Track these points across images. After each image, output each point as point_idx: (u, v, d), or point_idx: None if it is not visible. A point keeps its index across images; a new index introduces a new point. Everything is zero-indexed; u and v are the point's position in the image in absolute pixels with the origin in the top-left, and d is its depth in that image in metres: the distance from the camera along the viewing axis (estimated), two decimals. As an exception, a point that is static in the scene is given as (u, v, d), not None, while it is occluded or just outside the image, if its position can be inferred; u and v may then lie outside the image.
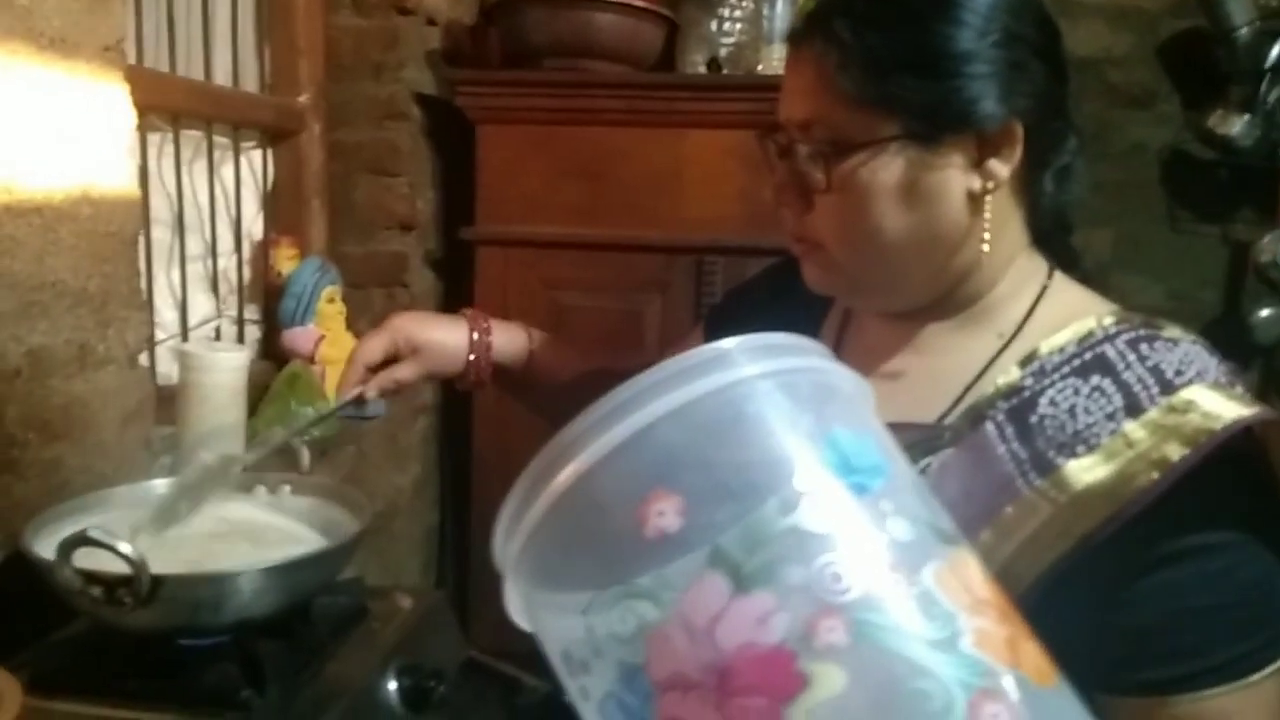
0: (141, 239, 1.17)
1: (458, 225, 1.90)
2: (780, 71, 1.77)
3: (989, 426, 0.68)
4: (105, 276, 1.03)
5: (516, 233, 1.86)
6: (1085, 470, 0.63)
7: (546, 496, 0.46)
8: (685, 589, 0.43)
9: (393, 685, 0.91)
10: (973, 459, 0.68)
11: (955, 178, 0.69)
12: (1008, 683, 0.42)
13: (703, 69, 1.85)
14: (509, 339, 1.02)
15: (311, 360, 1.61)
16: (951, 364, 0.74)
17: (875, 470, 0.47)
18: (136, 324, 1.09)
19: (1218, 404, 0.63)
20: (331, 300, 1.66)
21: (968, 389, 0.72)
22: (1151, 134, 2.21)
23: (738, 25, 1.83)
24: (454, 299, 1.98)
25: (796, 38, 0.73)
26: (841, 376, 0.52)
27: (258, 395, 1.50)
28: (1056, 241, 0.78)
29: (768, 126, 0.76)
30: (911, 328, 0.77)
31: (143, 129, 1.10)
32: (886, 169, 0.69)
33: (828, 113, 0.70)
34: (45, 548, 0.82)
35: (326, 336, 1.63)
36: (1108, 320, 0.71)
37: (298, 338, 1.63)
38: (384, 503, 1.76)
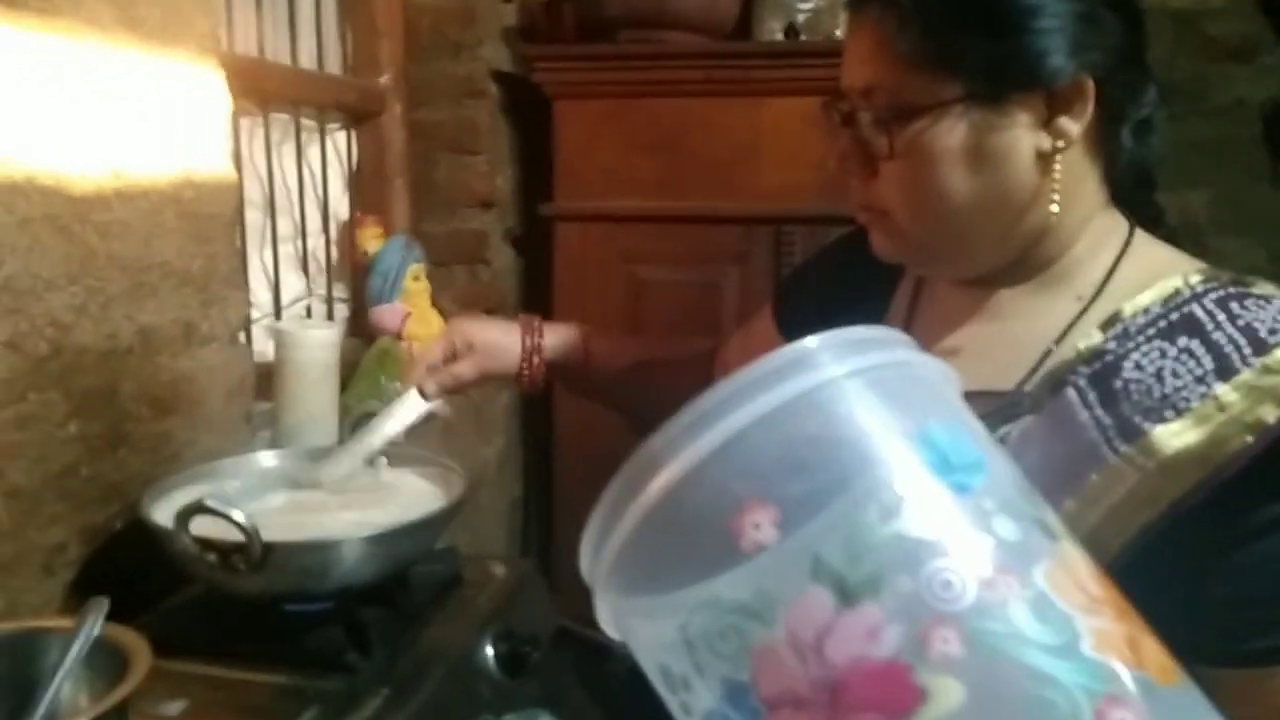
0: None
1: (537, 201, 1.91)
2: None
3: (1070, 392, 0.66)
4: (207, 257, 1.07)
5: (595, 207, 1.86)
6: (1174, 435, 0.61)
7: (635, 511, 0.45)
8: (789, 604, 0.42)
9: (489, 651, 0.93)
10: (1054, 426, 0.66)
11: (1023, 137, 0.67)
12: (1133, 686, 0.40)
13: (780, 36, 1.82)
14: (561, 339, 1.04)
15: (399, 336, 1.65)
16: (1030, 329, 0.72)
17: (974, 467, 0.45)
18: (237, 303, 1.13)
19: None
20: (416, 278, 1.69)
21: (1047, 354, 0.70)
22: (1253, 88, 2.11)
23: (814, -9, 1.79)
24: (534, 275, 2.01)
25: (856, 2, 0.72)
26: (929, 367, 0.50)
27: (348, 371, 1.54)
28: (1138, 199, 0.75)
29: (832, 95, 0.74)
30: (985, 293, 0.75)
31: (235, 114, 1.14)
32: (950, 133, 0.67)
33: (889, 77, 0.68)
34: (163, 516, 0.86)
35: (412, 313, 1.67)
36: (1194, 279, 0.68)
37: (385, 315, 1.67)
38: (471, 474, 1.80)
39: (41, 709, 0.61)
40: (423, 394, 0.99)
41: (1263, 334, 0.62)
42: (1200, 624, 0.60)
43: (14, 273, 0.83)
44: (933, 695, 0.39)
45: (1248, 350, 0.62)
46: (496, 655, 0.94)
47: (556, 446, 1.93)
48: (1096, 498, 0.62)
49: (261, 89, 1.49)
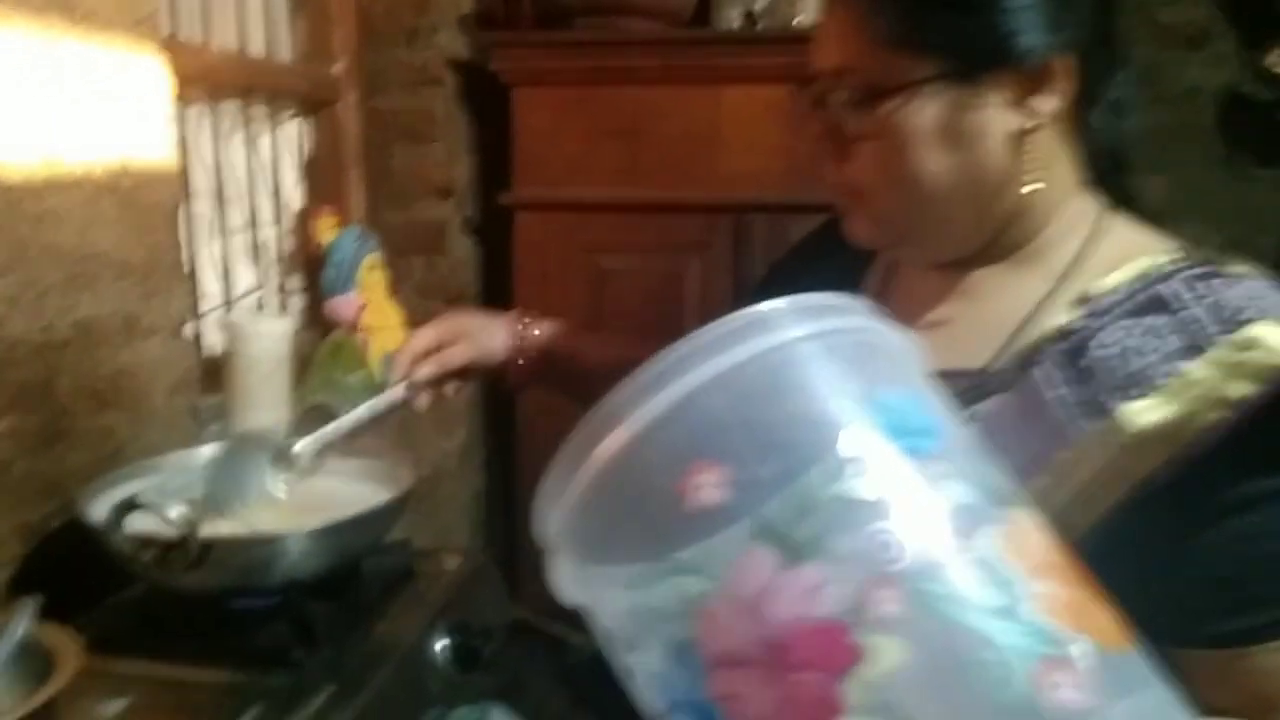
0: (183, 212, 1.19)
1: (496, 190, 1.89)
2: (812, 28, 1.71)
3: (1038, 371, 0.66)
4: (148, 248, 1.05)
5: (555, 196, 1.85)
6: (1142, 412, 0.61)
7: (586, 471, 0.45)
8: (731, 562, 0.42)
9: (441, 644, 0.92)
10: (1023, 404, 0.66)
11: (996, 117, 0.67)
12: (1074, 650, 0.40)
13: (738, 24, 1.81)
14: (549, 334, 1.02)
15: (354, 328, 1.63)
16: (1000, 308, 0.72)
17: (927, 431, 0.45)
18: (180, 295, 1.11)
19: None
20: (373, 268, 1.67)
21: (1016, 333, 0.70)
22: (1206, 75, 2.13)
23: (772, -22, 1.79)
24: (494, 265, 1.99)
25: None
26: (888, 335, 0.50)
27: (303, 364, 1.52)
28: (1112, 181, 0.75)
29: (803, 78, 0.73)
30: (957, 274, 0.75)
31: (181, 102, 1.11)
32: (923, 112, 0.66)
33: (861, 57, 0.68)
34: (100, 513, 0.84)
35: (369, 305, 1.65)
36: (1164, 258, 0.68)
37: (340, 306, 1.64)
38: (431, 467, 1.78)
39: (-36, 712, 0.59)
40: (407, 382, 0.96)
41: (1230, 311, 0.62)
42: (1172, 605, 0.60)
43: (-61, 263, 0.80)
44: (871, 653, 0.39)
45: (1215, 328, 0.62)
46: (449, 648, 0.92)
47: (519, 439, 1.91)
48: (1065, 475, 0.62)
49: (207, 76, 1.46)
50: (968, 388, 0.67)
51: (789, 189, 1.73)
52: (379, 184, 1.85)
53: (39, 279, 0.90)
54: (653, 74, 1.78)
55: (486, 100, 1.91)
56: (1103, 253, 0.71)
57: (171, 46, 1.11)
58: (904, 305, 0.76)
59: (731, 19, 1.82)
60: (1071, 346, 0.66)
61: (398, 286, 1.74)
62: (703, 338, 0.45)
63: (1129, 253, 0.69)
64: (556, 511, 0.47)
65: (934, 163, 0.67)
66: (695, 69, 1.76)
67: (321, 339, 1.61)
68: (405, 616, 0.94)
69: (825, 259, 0.85)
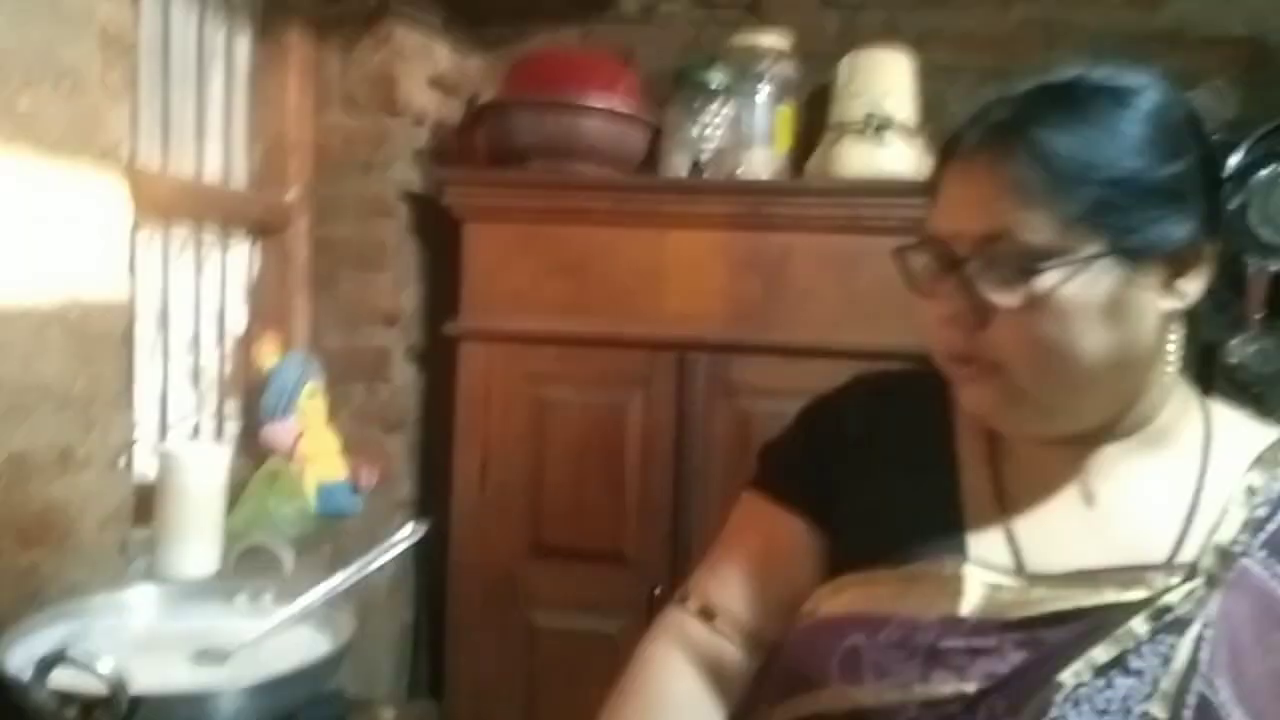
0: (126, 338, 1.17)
1: (441, 320, 1.91)
2: (759, 175, 1.78)
3: (1251, 565, 0.67)
4: (91, 378, 1.03)
5: (500, 327, 1.86)
6: None
7: None
8: None
9: (375, 804, 0.88)
10: (1253, 604, 0.66)
11: (1153, 298, 0.68)
12: None
13: (685, 171, 1.89)
14: None
15: (291, 456, 1.59)
16: (1150, 494, 0.72)
17: None
18: (120, 425, 1.09)
19: None
20: (313, 395, 1.65)
21: (1188, 523, 0.70)
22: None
23: (718, 130, 1.88)
24: (436, 393, 1.98)
25: (971, 145, 0.69)
26: None
27: (236, 493, 1.48)
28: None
29: (915, 242, 0.72)
30: (1079, 454, 0.73)
31: (135, 228, 1.11)
32: (1090, 286, 0.65)
33: (1022, 224, 0.65)
34: (21, 663, 0.79)
35: (306, 432, 1.62)
36: None
37: (277, 432, 1.61)
38: (360, 601, 1.72)
39: None
40: None
41: None
42: None
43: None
44: None
45: None
46: (381, 809, 0.88)
47: (450, 570, 1.87)
48: None
49: (163, 204, 1.46)
50: (1162, 583, 0.67)
51: (730, 329, 1.78)
52: (324, 309, 1.85)
53: (-24, 411, 0.88)
54: (602, 215, 1.83)
55: (437, 232, 1.94)
56: (1228, 436, 0.74)
57: (132, 174, 1.11)
58: (1029, 487, 0.74)
59: (679, 166, 1.90)
60: (1270, 537, 0.68)
61: (337, 413, 1.72)
62: None
63: (1246, 434, 0.74)
64: None
65: (1095, 338, 0.66)
66: (643, 213, 1.83)
67: (256, 467, 1.57)
68: (337, 774, 0.90)
69: (881, 437, 0.81)
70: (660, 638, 0.83)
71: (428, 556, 1.97)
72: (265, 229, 1.76)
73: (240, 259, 1.74)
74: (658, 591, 1.79)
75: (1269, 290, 1.77)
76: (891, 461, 0.79)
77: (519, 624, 1.84)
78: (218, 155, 1.64)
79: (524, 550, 1.85)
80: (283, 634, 0.95)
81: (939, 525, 0.74)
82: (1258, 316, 1.78)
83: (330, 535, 1.61)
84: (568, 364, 1.86)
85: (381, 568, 1.84)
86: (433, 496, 1.97)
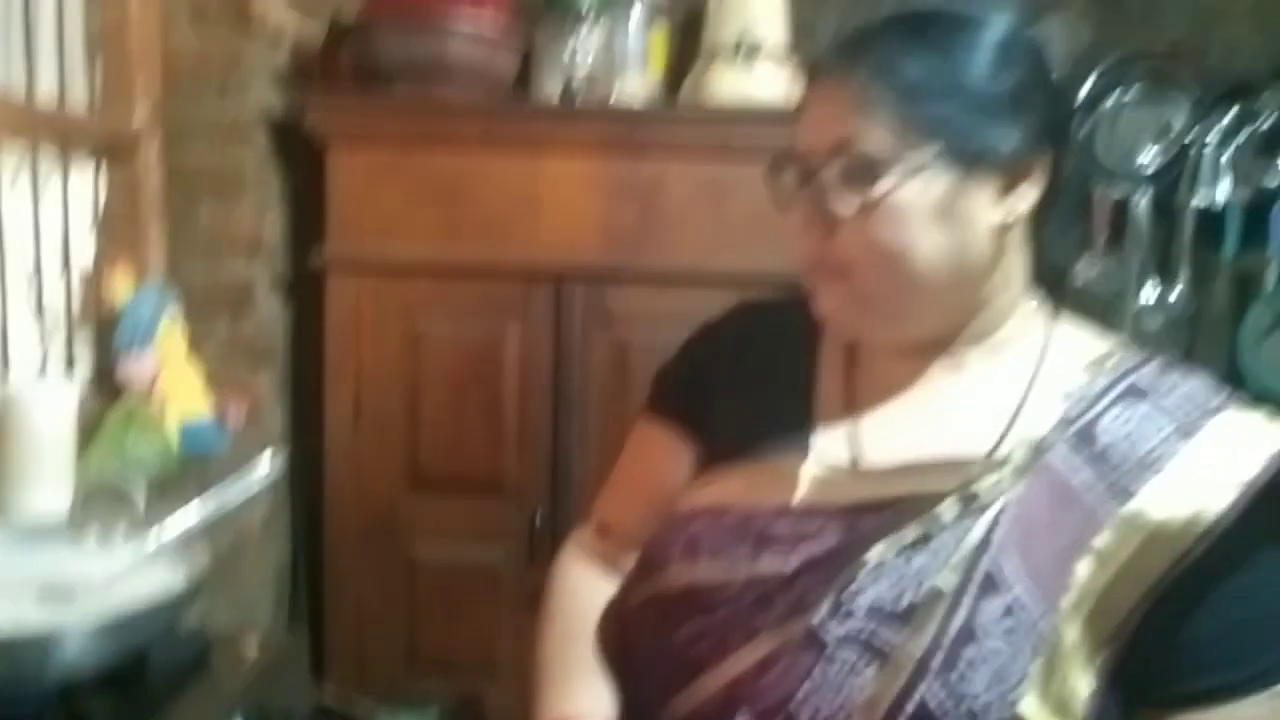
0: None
1: (307, 249, 1.84)
2: (632, 101, 1.77)
3: (1056, 459, 0.72)
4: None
5: (371, 257, 1.82)
6: (1161, 494, 0.68)
7: None
8: None
9: (237, 738, 0.87)
10: (1049, 491, 0.71)
11: (984, 207, 0.72)
12: None
13: (558, 95, 1.86)
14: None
15: (149, 393, 1.53)
16: (984, 397, 0.76)
17: None
18: (-53, 362, 1.02)
19: (1261, 423, 0.70)
20: (171, 328, 1.58)
21: (1012, 422, 0.74)
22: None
23: (590, 54, 1.85)
24: (304, 327, 1.92)
25: (827, 66, 0.74)
26: None
27: (89, 434, 1.41)
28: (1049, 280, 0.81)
29: (779, 158, 0.76)
30: (927, 361, 0.79)
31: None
32: (923, 193, 0.70)
33: (863, 135, 0.70)
34: None
35: (165, 367, 1.55)
36: (1120, 352, 0.76)
37: (134, 367, 1.54)
38: (231, 536, 1.69)
39: None
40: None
41: (1203, 399, 0.72)
42: (1159, 667, 0.67)
43: None
44: None
45: (1197, 414, 0.71)
46: (245, 742, 0.88)
47: (326, 505, 1.85)
48: (1108, 558, 0.67)
49: (-11, 123, 1.35)
50: (978, 473, 0.72)
51: (607, 257, 1.78)
52: (181, 239, 1.76)
53: None
54: (472, 141, 1.79)
55: (301, 156, 1.86)
56: (1064, 346, 0.77)
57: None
58: (877, 393, 0.80)
59: (551, 91, 1.86)
60: (1078, 434, 0.72)
61: (198, 348, 1.66)
62: None
63: (1084, 344, 0.77)
64: None
65: (927, 241, 0.71)
66: (514, 139, 1.79)
67: (111, 406, 1.50)
68: (196, 709, 0.89)
69: (753, 350, 0.87)
70: (567, 557, 0.95)
71: (303, 491, 1.94)
72: (111, 153, 1.66)
73: (84, 185, 1.63)
74: (538, 521, 1.81)
75: (1113, 215, 1.87)
76: (760, 373, 0.86)
77: (398, 556, 1.83)
78: (52, 71, 1.53)
79: (402, 483, 1.83)
80: (138, 574, 0.93)
81: (790, 427, 0.80)
82: (1102, 240, 1.88)
83: (196, 474, 1.56)
84: (442, 295, 1.83)
85: (254, 503, 1.81)
86: (305, 431, 1.92)
